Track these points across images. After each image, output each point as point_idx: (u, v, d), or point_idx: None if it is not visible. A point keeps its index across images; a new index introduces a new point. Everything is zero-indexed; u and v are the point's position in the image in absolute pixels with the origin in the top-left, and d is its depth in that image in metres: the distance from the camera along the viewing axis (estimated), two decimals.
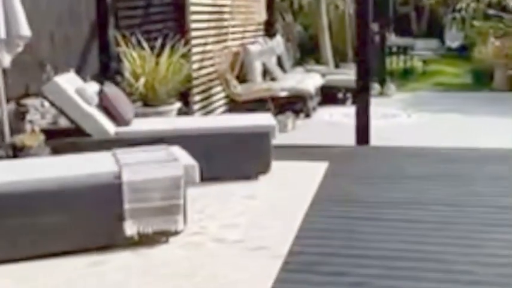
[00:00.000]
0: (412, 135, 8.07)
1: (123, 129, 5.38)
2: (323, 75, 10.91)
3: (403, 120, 9.35)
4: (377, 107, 8.56)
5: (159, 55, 6.75)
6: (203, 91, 8.60)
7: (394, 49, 13.62)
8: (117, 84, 6.30)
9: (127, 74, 6.60)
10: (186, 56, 7.10)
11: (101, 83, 5.81)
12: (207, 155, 4.81)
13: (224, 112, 9.25)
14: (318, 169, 5.74)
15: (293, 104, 9.30)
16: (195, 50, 8.00)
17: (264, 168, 5.49)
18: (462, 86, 12.72)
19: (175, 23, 7.69)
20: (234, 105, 8.84)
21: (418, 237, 4.16)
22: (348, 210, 4.74)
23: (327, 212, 4.70)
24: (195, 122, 6.31)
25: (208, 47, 8.61)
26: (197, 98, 8.25)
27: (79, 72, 5.84)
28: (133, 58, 6.64)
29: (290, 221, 4.38)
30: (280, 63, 10.89)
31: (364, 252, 3.90)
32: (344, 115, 9.30)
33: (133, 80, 6.54)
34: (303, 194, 4.99)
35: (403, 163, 6.18)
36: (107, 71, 6.53)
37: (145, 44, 6.73)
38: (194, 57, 8.00)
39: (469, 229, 4.29)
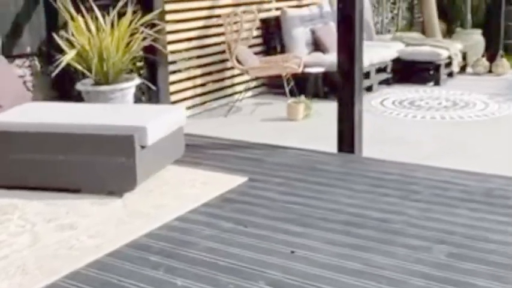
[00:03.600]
0: (464, 139, 5.59)
1: None
2: (408, 45, 8.46)
3: (480, 112, 6.70)
4: (466, 88, 6.50)
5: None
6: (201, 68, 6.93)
7: None
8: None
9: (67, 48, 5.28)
10: (155, 25, 5.54)
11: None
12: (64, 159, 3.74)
13: (256, 95, 7.50)
14: (210, 192, 3.84)
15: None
16: (177, 16, 6.36)
17: (128, 185, 3.80)
18: None
19: None
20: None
21: None
22: None
23: None
24: (61, 115, 4.23)
25: (216, 12, 6.86)
26: (184, 75, 6.63)
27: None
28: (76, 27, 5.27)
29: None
30: None
31: None
32: (401, 102, 6.95)
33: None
34: (111, 241, 3.17)
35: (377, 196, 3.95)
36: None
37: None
38: (177, 26, 6.38)
39: None
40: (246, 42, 7.17)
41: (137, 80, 5.53)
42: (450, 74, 8.38)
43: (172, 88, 6.43)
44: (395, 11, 10.86)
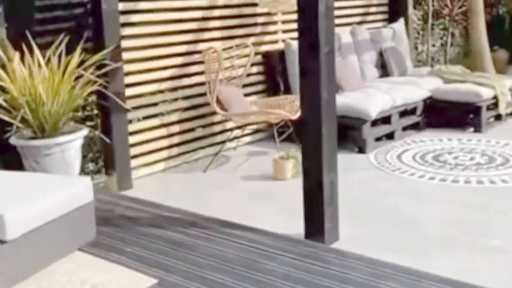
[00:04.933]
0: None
1: None
2: (446, 81, 7.09)
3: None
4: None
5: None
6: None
7: None
8: None
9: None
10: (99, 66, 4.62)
11: None
12: None
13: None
14: None
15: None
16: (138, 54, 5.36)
17: None
18: None
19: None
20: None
21: None
22: None
23: None
24: None
25: (200, 46, 5.81)
26: (154, 122, 5.60)
27: None
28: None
29: None
30: (383, 61, 7.42)
31: None
32: (425, 155, 5.62)
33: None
34: None
35: None
36: None
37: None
38: (145, 65, 5.38)
39: None
40: (239, 81, 6.10)
41: (84, 131, 4.59)
42: (498, 117, 6.94)
43: (139, 138, 5.44)
44: (445, 38, 9.46)
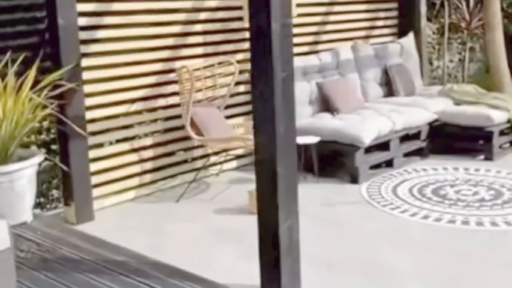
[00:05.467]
0: None
1: None
2: (457, 102, 6.47)
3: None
4: None
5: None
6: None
7: None
8: None
9: None
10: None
11: None
12: None
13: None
14: None
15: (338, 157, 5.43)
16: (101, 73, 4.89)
17: None
18: None
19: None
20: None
21: None
22: None
23: None
24: None
25: (177, 64, 5.32)
26: (123, 147, 5.12)
27: None
28: None
29: None
30: (388, 79, 6.84)
31: None
32: (423, 188, 5.02)
33: None
34: None
35: None
36: None
37: None
38: (110, 85, 4.91)
39: None
40: (223, 101, 5.59)
41: (37, 158, 4.14)
42: None
43: (106, 164, 4.98)
44: (463, 53, 8.81)
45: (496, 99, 6.38)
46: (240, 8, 5.77)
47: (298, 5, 6.44)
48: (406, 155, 5.99)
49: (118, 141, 5.12)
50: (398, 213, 4.55)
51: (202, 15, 5.58)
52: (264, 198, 3.20)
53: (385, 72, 6.87)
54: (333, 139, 5.46)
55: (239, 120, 5.91)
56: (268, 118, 3.08)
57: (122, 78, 5.01)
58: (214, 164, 5.65)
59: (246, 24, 5.88)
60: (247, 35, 5.97)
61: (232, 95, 5.91)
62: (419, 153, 6.04)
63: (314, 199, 4.94)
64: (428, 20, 9.09)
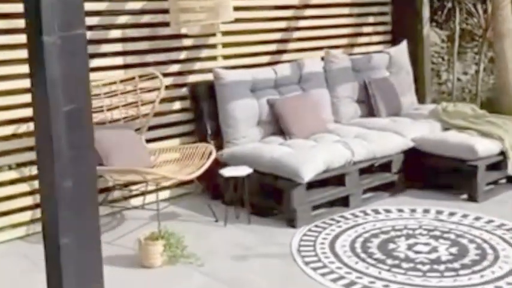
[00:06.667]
0: None
1: None
2: (448, 127, 5.36)
3: None
4: None
5: None
6: None
7: None
8: None
9: None
10: None
11: None
12: None
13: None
14: None
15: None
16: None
17: None
18: None
19: None
20: None
21: None
22: None
23: None
24: None
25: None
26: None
27: None
28: None
29: None
30: (368, 96, 5.78)
31: None
32: (368, 242, 3.97)
33: None
34: None
35: None
36: None
37: None
38: None
39: None
40: (145, 121, 4.72)
41: None
42: (510, 180, 5.12)
43: None
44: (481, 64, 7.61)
45: (491, 124, 5.23)
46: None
47: (255, 8, 5.52)
48: (375, 189, 4.96)
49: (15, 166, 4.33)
50: (319, 276, 3.54)
51: (121, 19, 4.72)
52: (50, 275, 2.30)
53: (365, 88, 5.83)
54: (271, 171, 4.50)
55: (174, 143, 5.03)
56: (48, 165, 2.18)
57: (12, 93, 4.22)
58: (124, 199, 4.78)
59: (184, 30, 5.01)
60: (186, 42, 5.09)
61: (165, 113, 5.04)
62: (390, 188, 4.99)
63: (228, 247, 3.99)
64: (438, 26, 7.95)
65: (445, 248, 3.84)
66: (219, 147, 4.97)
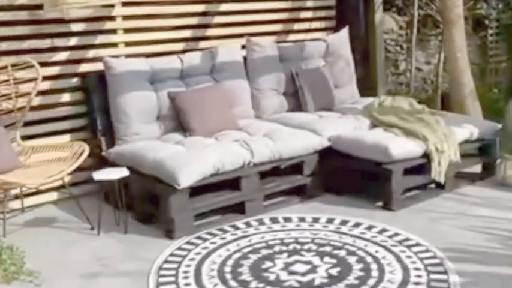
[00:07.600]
0: None
1: None
2: (375, 124, 4.79)
3: None
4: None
5: None
6: None
7: None
8: None
9: None
10: None
11: None
12: None
13: None
14: None
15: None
16: None
17: None
18: None
19: None
20: None
21: None
22: None
23: None
24: None
25: None
26: None
27: None
28: None
29: None
30: (295, 88, 5.23)
31: None
32: (225, 263, 3.44)
33: None
34: None
35: None
36: None
37: None
38: None
39: None
40: (21, 115, 4.23)
41: None
42: (440, 185, 4.53)
43: None
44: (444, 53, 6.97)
45: (421, 122, 4.65)
46: None
47: None
48: (286, 194, 4.43)
49: None
50: None
51: None
52: None
53: (292, 79, 5.27)
54: (153, 173, 3.99)
55: (63, 139, 4.54)
56: None
57: None
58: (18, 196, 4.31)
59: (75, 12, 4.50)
60: (75, 27, 4.58)
61: (53, 106, 4.56)
62: (297, 192, 4.46)
63: (85, 263, 3.51)
64: (397, 12, 7.35)
65: (325, 269, 3.31)
66: (113, 144, 4.49)
